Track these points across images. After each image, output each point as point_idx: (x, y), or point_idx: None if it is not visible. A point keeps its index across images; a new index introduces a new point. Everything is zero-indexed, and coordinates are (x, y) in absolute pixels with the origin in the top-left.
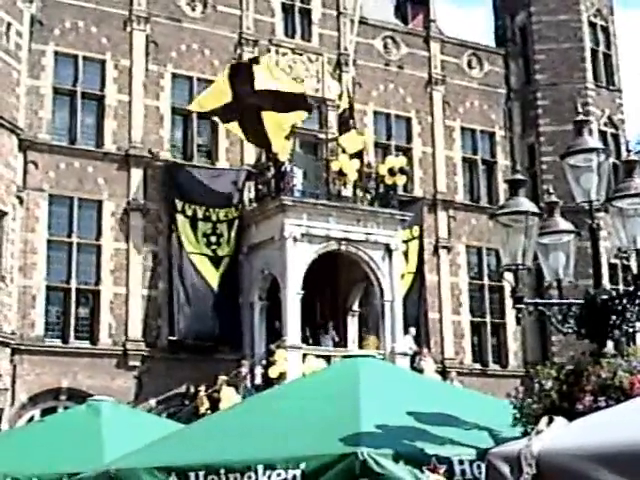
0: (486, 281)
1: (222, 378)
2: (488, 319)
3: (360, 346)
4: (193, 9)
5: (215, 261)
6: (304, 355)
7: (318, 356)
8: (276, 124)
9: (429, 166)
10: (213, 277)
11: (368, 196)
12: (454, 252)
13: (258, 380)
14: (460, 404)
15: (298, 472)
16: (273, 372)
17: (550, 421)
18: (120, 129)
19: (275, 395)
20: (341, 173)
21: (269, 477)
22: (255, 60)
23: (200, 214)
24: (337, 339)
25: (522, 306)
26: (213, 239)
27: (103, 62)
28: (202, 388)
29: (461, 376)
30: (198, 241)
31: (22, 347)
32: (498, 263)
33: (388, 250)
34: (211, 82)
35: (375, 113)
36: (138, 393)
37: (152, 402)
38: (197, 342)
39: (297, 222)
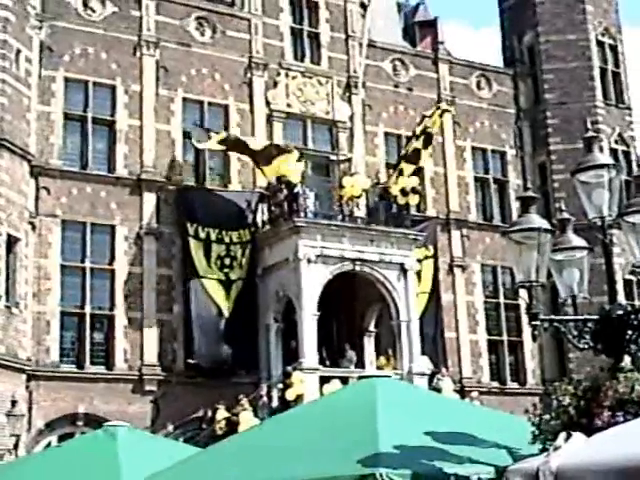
0: (502, 299)
1: (243, 400)
2: (505, 337)
3: (377, 367)
4: (202, 34)
5: (226, 285)
6: (327, 378)
7: (336, 378)
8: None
9: (441, 186)
10: (224, 301)
11: (381, 216)
12: (469, 271)
13: (275, 403)
14: (478, 422)
15: None
16: (290, 394)
17: (568, 437)
18: (131, 154)
19: (292, 417)
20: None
21: None
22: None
23: (213, 236)
24: (355, 360)
25: (538, 323)
26: (227, 261)
27: (113, 87)
28: (221, 408)
29: (479, 395)
30: (210, 265)
31: (38, 373)
32: (513, 281)
33: (403, 270)
34: (222, 106)
35: (386, 134)
36: (155, 418)
37: (169, 427)
38: (213, 366)
39: (311, 243)
